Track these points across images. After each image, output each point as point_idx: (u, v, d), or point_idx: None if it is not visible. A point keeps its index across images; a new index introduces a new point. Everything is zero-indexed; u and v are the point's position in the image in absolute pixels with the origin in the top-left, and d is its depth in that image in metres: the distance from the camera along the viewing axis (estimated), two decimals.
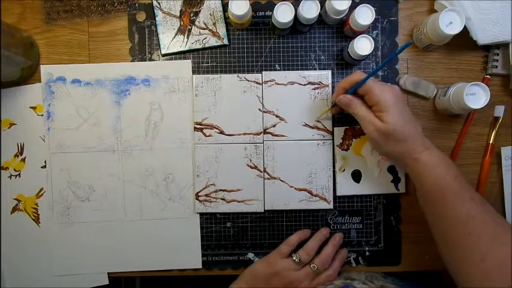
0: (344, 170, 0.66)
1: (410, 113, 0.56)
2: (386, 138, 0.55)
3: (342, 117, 0.67)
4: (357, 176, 0.66)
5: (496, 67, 0.65)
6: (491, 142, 0.66)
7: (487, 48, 0.66)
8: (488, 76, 0.65)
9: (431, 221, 0.55)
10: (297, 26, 0.64)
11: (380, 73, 0.67)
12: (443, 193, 0.52)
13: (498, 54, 0.65)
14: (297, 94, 0.65)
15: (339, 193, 0.66)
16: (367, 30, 0.65)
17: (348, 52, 0.63)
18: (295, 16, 0.61)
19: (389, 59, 0.65)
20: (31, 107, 0.67)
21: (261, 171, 0.66)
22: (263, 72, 0.66)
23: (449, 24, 0.59)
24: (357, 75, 0.56)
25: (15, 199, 0.67)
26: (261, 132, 0.66)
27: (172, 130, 0.66)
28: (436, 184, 0.52)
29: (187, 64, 0.66)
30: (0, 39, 0.57)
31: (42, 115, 0.67)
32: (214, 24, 0.66)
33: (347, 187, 0.66)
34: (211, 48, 0.67)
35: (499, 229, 0.48)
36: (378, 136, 0.55)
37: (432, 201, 0.54)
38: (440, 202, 0.52)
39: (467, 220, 0.49)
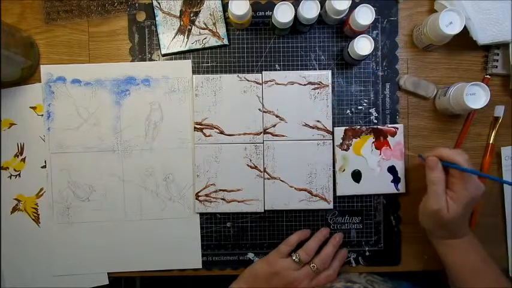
0: (344, 170, 0.66)
1: (470, 210, 0.57)
2: (439, 222, 0.56)
3: (341, 117, 0.67)
4: (357, 176, 0.66)
5: (496, 67, 0.65)
6: (491, 142, 0.66)
7: (487, 48, 0.66)
8: (488, 76, 0.65)
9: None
10: (297, 26, 0.64)
11: (380, 73, 0.67)
12: (466, 275, 0.56)
13: (498, 54, 0.65)
14: (297, 94, 0.65)
15: (339, 193, 0.66)
16: (367, 30, 0.65)
17: (348, 52, 0.63)
18: (295, 16, 0.61)
19: (498, 179, 0.66)
20: (31, 107, 0.67)
21: (261, 171, 0.66)
22: (263, 72, 0.66)
23: (449, 24, 0.59)
24: (462, 159, 0.55)
25: (15, 199, 0.67)
26: (261, 132, 0.66)
27: (172, 130, 0.66)
28: (463, 266, 0.56)
29: (187, 64, 0.66)
30: (0, 39, 0.57)
31: (42, 115, 0.67)
32: (214, 24, 0.66)
33: (347, 187, 0.66)
34: (211, 48, 0.67)
35: None
36: (434, 216, 0.56)
37: (456, 277, 0.57)
38: (465, 281, 0.56)
39: None
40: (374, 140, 0.66)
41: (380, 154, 0.66)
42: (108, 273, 0.67)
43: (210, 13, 0.66)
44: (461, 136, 0.67)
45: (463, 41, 0.63)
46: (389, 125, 0.66)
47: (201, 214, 0.67)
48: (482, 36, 0.62)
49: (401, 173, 0.66)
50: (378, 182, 0.66)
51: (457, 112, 0.63)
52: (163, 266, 0.67)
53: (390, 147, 0.66)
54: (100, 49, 0.67)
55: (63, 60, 0.67)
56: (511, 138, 0.66)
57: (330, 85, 0.65)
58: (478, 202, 0.57)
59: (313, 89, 0.65)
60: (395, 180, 0.66)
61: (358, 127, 0.66)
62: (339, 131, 0.66)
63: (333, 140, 0.66)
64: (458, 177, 0.55)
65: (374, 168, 0.66)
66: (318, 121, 0.65)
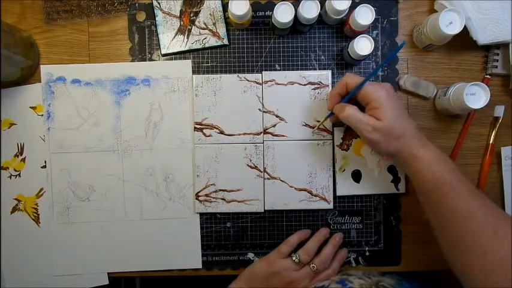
0: (344, 170, 0.66)
1: (404, 109, 0.56)
2: (384, 136, 0.54)
3: None
4: (357, 176, 0.66)
5: (496, 67, 0.65)
6: (491, 142, 0.66)
7: (487, 48, 0.66)
8: (488, 76, 0.65)
9: (431, 217, 0.55)
10: (297, 26, 0.64)
11: (380, 73, 0.67)
12: (441, 189, 0.52)
13: (498, 54, 0.65)
14: (297, 94, 0.65)
15: (339, 193, 0.66)
16: (367, 30, 0.65)
17: (348, 52, 0.63)
18: (295, 16, 0.61)
19: (386, 61, 0.66)
20: (31, 107, 0.67)
21: (261, 171, 0.66)
22: (263, 72, 0.66)
23: (449, 24, 0.59)
24: (349, 78, 0.57)
25: (15, 199, 0.67)
26: (261, 132, 0.66)
27: (172, 130, 0.66)
28: (434, 180, 0.52)
29: (187, 64, 0.66)
30: (0, 39, 0.57)
31: (42, 115, 0.67)
32: (214, 24, 0.66)
33: (347, 187, 0.66)
34: (211, 48, 0.67)
35: (499, 223, 0.48)
36: (376, 135, 0.54)
37: (431, 197, 0.54)
38: (439, 198, 0.52)
39: (467, 215, 0.49)
40: None
41: (381, 154, 0.66)
42: (108, 273, 0.67)
43: (210, 13, 0.66)
44: (461, 136, 0.67)
45: (463, 41, 0.63)
46: None
47: (201, 214, 0.67)
48: (482, 36, 0.62)
49: (401, 173, 0.66)
50: (377, 182, 0.66)
51: (457, 112, 0.63)
52: (163, 266, 0.67)
53: None
54: (100, 49, 0.67)
55: (63, 60, 0.67)
56: (511, 138, 0.66)
57: (330, 85, 0.65)
58: (397, 97, 0.56)
59: (313, 89, 0.65)
60: (395, 180, 0.66)
61: None
62: (339, 131, 0.66)
63: (333, 140, 0.66)
64: (361, 91, 0.55)
65: (374, 168, 0.66)
66: (318, 121, 0.65)
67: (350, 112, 0.56)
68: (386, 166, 0.66)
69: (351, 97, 0.57)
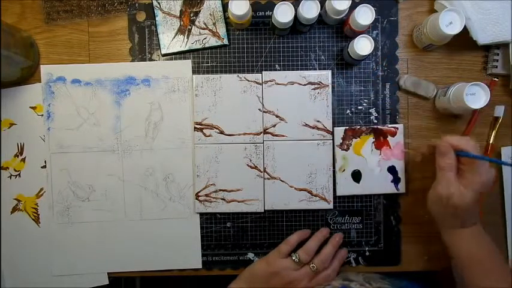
0: (344, 170, 0.66)
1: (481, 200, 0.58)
2: (449, 209, 0.55)
3: (341, 117, 0.67)
4: (357, 176, 0.66)
5: (496, 67, 0.65)
6: (491, 142, 0.66)
7: (487, 48, 0.66)
8: (496, 79, 0.65)
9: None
10: (297, 26, 0.64)
11: (380, 73, 0.67)
12: (474, 267, 0.55)
13: (498, 54, 0.65)
14: (297, 94, 0.65)
15: (338, 193, 0.66)
16: (367, 30, 0.65)
17: (348, 52, 0.63)
18: (295, 16, 0.61)
19: (498, 162, 0.66)
20: (31, 107, 0.67)
21: (261, 171, 0.66)
22: (263, 72, 0.66)
23: (449, 24, 0.59)
24: (469, 144, 0.55)
25: (15, 199, 0.67)
26: (261, 132, 0.66)
27: (172, 130, 0.66)
28: (468, 258, 0.55)
29: (187, 64, 0.66)
30: (0, 39, 0.57)
31: (42, 115, 0.67)
32: (214, 24, 0.66)
33: (347, 187, 0.66)
34: (211, 48, 0.67)
35: None
36: (444, 203, 0.55)
37: (465, 270, 0.56)
38: (471, 274, 0.55)
39: None
40: (374, 140, 0.66)
41: (380, 154, 0.66)
42: (108, 273, 0.67)
43: (210, 13, 0.66)
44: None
45: (463, 41, 0.63)
46: (390, 125, 0.66)
47: (201, 214, 0.67)
48: (482, 36, 0.62)
49: (401, 173, 0.66)
50: (378, 182, 0.66)
51: (457, 112, 0.63)
52: (163, 266, 0.67)
53: (390, 147, 0.66)
54: (100, 49, 0.67)
55: (63, 60, 0.67)
56: (511, 138, 0.66)
57: (330, 85, 0.65)
58: (489, 188, 0.56)
59: (313, 89, 0.65)
60: (395, 180, 0.66)
61: (358, 127, 0.66)
62: (339, 131, 0.66)
63: (333, 140, 0.66)
64: (468, 163, 0.55)
65: (374, 168, 0.66)
66: (318, 121, 0.65)
67: (450, 163, 0.55)
68: (386, 166, 0.66)
69: (459, 154, 0.56)
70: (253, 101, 0.65)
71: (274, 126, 0.66)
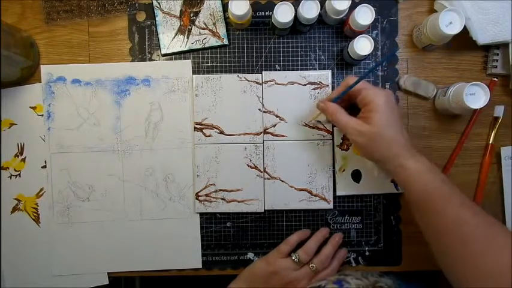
0: (344, 170, 0.66)
1: (400, 120, 0.55)
2: (370, 141, 0.54)
3: None
4: (356, 176, 0.66)
5: (496, 67, 0.65)
6: (491, 142, 0.66)
7: (487, 48, 0.66)
8: (495, 79, 0.65)
9: (422, 227, 0.54)
10: (297, 26, 0.64)
11: (380, 73, 0.67)
12: (431, 200, 0.51)
13: (498, 54, 0.65)
14: (297, 94, 0.65)
15: (338, 193, 0.66)
16: (367, 30, 0.65)
17: (348, 52, 0.63)
18: (295, 16, 0.61)
19: (384, 61, 0.66)
20: (31, 107, 0.67)
21: (261, 171, 0.66)
22: (263, 72, 0.66)
23: (449, 24, 0.59)
24: (349, 79, 0.56)
25: (15, 199, 0.67)
26: (261, 132, 0.66)
27: (172, 130, 0.66)
28: (424, 191, 0.52)
29: (187, 64, 0.66)
30: (0, 39, 0.57)
31: (42, 115, 0.67)
32: (214, 24, 0.66)
33: (347, 187, 0.66)
34: (211, 48, 0.67)
35: (492, 233, 0.47)
36: (362, 139, 0.54)
37: (421, 208, 0.52)
38: (430, 209, 0.51)
39: (458, 224, 0.48)
40: None
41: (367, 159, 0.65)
42: (108, 273, 0.67)
43: (210, 13, 0.66)
44: (463, 136, 0.66)
45: (463, 41, 0.63)
46: None
47: (201, 214, 0.67)
48: (482, 36, 0.62)
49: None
50: (377, 182, 0.66)
51: (456, 112, 0.63)
52: (163, 266, 0.67)
53: None
54: (100, 49, 0.67)
55: (63, 60, 0.67)
56: (511, 138, 0.66)
57: (330, 85, 0.65)
58: (396, 107, 0.55)
59: (313, 89, 0.65)
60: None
61: None
62: (339, 131, 0.66)
63: (332, 140, 0.66)
64: (361, 91, 0.55)
65: (374, 168, 0.66)
66: (318, 121, 0.65)
67: (336, 113, 0.56)
68: None
69: (341, 96, 0.57)
70: (253, 101, 0.65)
71: (274, 126, 0.66)
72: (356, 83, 0.55)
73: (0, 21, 0.59)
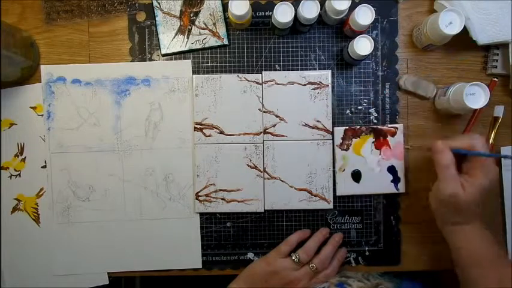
0: (344, 170, 0.66)
1: (487, 198, 0.55)
2: (453, 206, 0.54)
3: (341, 117, 0.67)
4: (356, 176, 0.66)
5: (496, 67, 0.65)
6: (491, 142, 0.66)
7: (487, 48, 0.66)
8: (496, 79, 0.65)
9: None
10: (297, 26, 0.64)
11: (380, 73, 0.67)
12: (481, 266, 0.54)
13: (498, 54, 0.65)
14: (297, 94, 0.65)
15: (338, 193, 0.66)
16: (367, 30, 0.65)
17: (348, 52, 0.63)
18: (295, 16, 0.61)
19: (493, 155, 0.62)
20: (31, 107, 0.67)
21: (261, 171, 0.66)
22: (263, 72, 0.66)
23: (449, 24, 0.59)
24: (479, 144, 0.54)
25: (15, 199, 0.67)
26: (261, 132, 0.66)
27: (172, 130, 0.66)
28: (474, 257, 0.54)
29: (187, 64, 0.66)
30: (0, 39, 0.57)
31: (42, 115, 0.67)
32: (214, 24, 0.66)
33: (347, 187, 0.66)
34: (211, 48, 0.67)
35: None
36: (447, 200, 0.54)
37: (469, 272, 0.55)
38: (477, 275, 0.54)
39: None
40: (374, 140, 0.66)
41: (380, 154, 0.66)
42: (108, 273, 0.67)
43: (210, 13, 0.66)
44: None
45: (463, 41, 0.63)
46: (389, 125, 0.66)
47: (201, 214, 0.67)
48: (482, 36, 0.62)
49: (401, 173, 0.66)
50: (377, 182, 0.66)
51: (456, 112, 0.63)
52: (163, 266, 0.67)
53: (390, 147, 0.66)
54: (100, 49, 0.67)
55: (63, 60, 0.67)
56: (511, 138, 0.66)
57: (330, 85, 0.65)
58: (494, 185, 0.56)
59: (313, 89, 0.65)
60: (395, 180, 0.66)
61: (358, 127, 0.66)
62: (339, 131, 0.66)
63: (332, 139, 0.66)
64: (473, 161, 0.54)
65: (374, 168, 0.66)
66: (318, 121, 0.66)
67: (447, 159, 0.54)
68: (386, 166, 0.66)
69: (464, 153, 0.55)
70: (253, 101, 0.65)
71: (274, 126, 0.66)
72: (489, 155, 0.54)
73: (0, 21, 0.59)
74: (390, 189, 0.66)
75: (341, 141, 0.66)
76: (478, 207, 0.55)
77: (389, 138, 0.66)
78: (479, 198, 0.54)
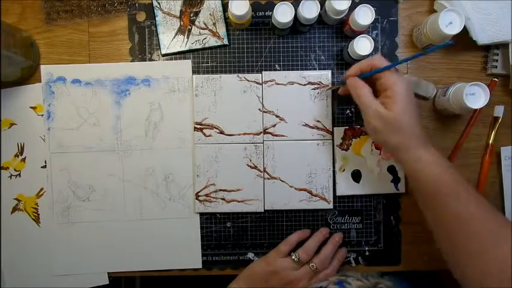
0: (344, 170, 0.66)
1: (417, 108, 0.55)
2: (387, 126, 0.53)
3: (341, 117, 0.67)
4: (356, 176, 0.66)
5: (496, 67, 0.65)
6: (490, 142, 0.66)
7: (487, 48, 0.66)
8: (496, 79, 0.65)
9: (429, 218, 0.54)
10: (297, 26, 0.64)
11: None
12: (441, 192, 0.51)
13: (498, 54, 0.65)
14: (297, 94, 0.65)
15: (338, 193, 0.66)
16: (367, 30, 0.65)
17: (348, 52, 0.63)
18: (295, 16, 0.61)
19: (421, 55, 0.65)
20: (31, 107, 0.67)
21: (261, 171, 0.66)
22: (263, 72, 0.66)
23: (449, 24, 0.59)
24: (378, 60, 0.55)
25: (15, 199, 0.67)
26: (261, 132, 0.66)
27: (172, 130, 0.66)
28: (434, 182, 0.52)
29: (187, 64, 0.66)
30: (0, 39, 0.57)
31: (42, 115, 0.67)
32: (214, 24, 0.66)
33: (347, 187, 0.66)
34: (211, 48, 0.67)
35: (499, 227, 0.48)
36: (379, 123, 0.53)
37: (429, 199, 0.53)
38: (439, 201, 0.51)
39: (467, 219, 0.49)
40: None
41: (380, 154, 0.66)
42: (108, 273, 0.67)
43: (210, 13, 0.66)
44: (463, 136, 0.66)
45: (463, 41, 0.63)
46: None
47: (201, 214, 0.67)
48: (482, 36, 0.62)
49: (401, 173, 0.66)
50: (377, 182, 0.66)
51: (457, 112, 0.63)
52: (163, 266, 0.67)
53: None
54: (100, 49, 0.67)
55: (63, 60, 0.67)
56: (511, 138, 0.66)
57: (330, 85, 0.65)
58: (411, 93, 0.54)
59: (313, 89, 0.65)
60: (395, 180, 0.66)
61: (358, 127, 0.66)
62: (339, 131, 0.66)
63: (332, 139, 0.66)
64: (383, 76, 0.54)
65: (374, 168, 0.66)
66: (318, 121, 0.66)
67: (363, 91, 0.55)
68: (386, 166, 0.66)
69: (369, 75, 0.56)
70: (253, 101, 0.65)
71: (274, 126, 0.66)
72: (386, 68, 0.54)
73: (0, 22, 0.59)
74: (390, 189, 0.66)
75: (341, 141, 0.66)
76: (417, 125, 0.53)
77: None
78: (407, 111, 0.52)
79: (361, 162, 0.66)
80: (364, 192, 0.67)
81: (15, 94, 0.67)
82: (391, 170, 0.66)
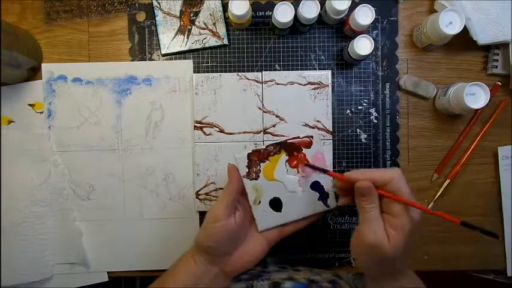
0: (260, 203, 0.55)
1: (412, 242, 0.46)
2: (377, 257, 0.45)
3: (341, 117, 0.66)
4: (276, 205, 0.55)
5: (496, 67, 0.65)
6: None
7: (487, 48, 0.66)
8: (499, 83, 0.65)
9: None
10: (297, 26, 0.64)
11: (380, 73, 0.67)
12: None
13: (498, 54, 0.65)
14: (297, 94, 0.65)
15: (260, 228, 0.55)
16: (367, 30, 0.65)
17: (348, 52, 0.63)
18: (295, 16, 0.61)
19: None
20: (31, 105, 0.67)
21: None
22: (263, 72, 0.66)
23: (449, 24, 0.59)
24: (395, 173, 0.45)
25: None
26: (260, 131, 0.66)
27: (172, 130, 0.66)
28: None
29: (188, 64, 0.66)
30: (1, 39, 0.57)
31: (41, 112, 0.66)
32: (214, 24, 0.66)
33: (267, 219, 0.55)
34: (211, 48, 0.67)
35: None
36: (370, 250, 0.45)
37: None
38: None
39: None
40: (287, 157, 0.55)
41: (298, 172, 0.55)
42: (108, 272, 0.67)
43: (210, 13, 0.66)
44: (462, 136, 0.66)
45: (463, 41, 0.63)
46: (302, 136, 0.55)
47: (201, 213, 0.67)
48: (482, 36, 0.62)
49: (328, 187, 0.56)
50: (303, 204, 0.56)
51: (457, 112, 0.63)
52: (163, 266, 0.67)
53: (308, 161, 0.55)
54: (100, 49, 0.67)
55: (63, 60, 0.67)
56: (510, 138, 0.66)
57: (330, 85, 0.65)
58: (418, 230, 0.46)
59: (313, 89, 0.65)
60: (323, 197, 0.56)
61: (264, 148, 0.54)
62: (242, 159, 0.54)
63: (333, 139, 0.66)
64: (396, 192, 0.45)
65: (295, 190, 0.55)
66: (318, 121, 0.66)
67: (373, 203, 0.46)
68: (308, 184, 0.56)
69: (384, 196, 0.46)
70: (253, 99, 0.65)
71: (274, 126, 0.66)
72: (409, 204, 0.44)
73: (0, 21, 0.59)
74: (320, 207, 0.56)
75: (247, 170, 0.54)
76: (407, 255, 0.47)
77: (305, 150, 0.55)
78: (407, 245, 0.44)
79: (277, 187, 0.55)
80: (291, 219, 0.56)
81: (15, 92, 0.67)
82: (315, 186, 0.56)
